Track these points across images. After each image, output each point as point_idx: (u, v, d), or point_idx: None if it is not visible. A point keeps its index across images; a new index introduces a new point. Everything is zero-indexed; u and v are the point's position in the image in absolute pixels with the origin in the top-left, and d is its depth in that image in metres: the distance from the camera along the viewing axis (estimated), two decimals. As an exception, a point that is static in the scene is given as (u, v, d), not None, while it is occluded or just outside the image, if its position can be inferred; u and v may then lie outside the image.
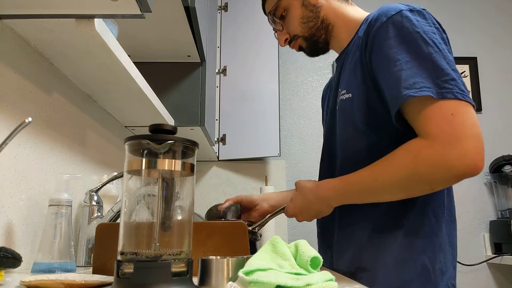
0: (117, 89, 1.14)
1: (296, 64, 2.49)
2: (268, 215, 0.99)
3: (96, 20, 0.80)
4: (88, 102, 1.20)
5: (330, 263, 0.97)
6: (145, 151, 0.52)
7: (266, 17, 1.07)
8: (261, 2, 1.07)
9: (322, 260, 0.62)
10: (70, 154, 1.09)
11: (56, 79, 1.02)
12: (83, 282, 0.58)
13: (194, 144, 0.54)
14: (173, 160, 0.52)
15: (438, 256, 0.85)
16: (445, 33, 0.87)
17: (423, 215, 0.86)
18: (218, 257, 0.58)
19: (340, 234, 0.95)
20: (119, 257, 0.50)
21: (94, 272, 0.70)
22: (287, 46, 1.07)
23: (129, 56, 1.04)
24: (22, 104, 0.88)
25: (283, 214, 0.97)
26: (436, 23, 0.85)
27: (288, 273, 0.55)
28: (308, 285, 0.48)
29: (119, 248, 0.50)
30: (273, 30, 1.08)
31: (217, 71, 2.17)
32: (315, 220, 1.02)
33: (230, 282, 0.50)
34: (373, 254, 0.87)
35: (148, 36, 1.40)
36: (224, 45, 2.23)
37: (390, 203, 0.85)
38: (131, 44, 1.44)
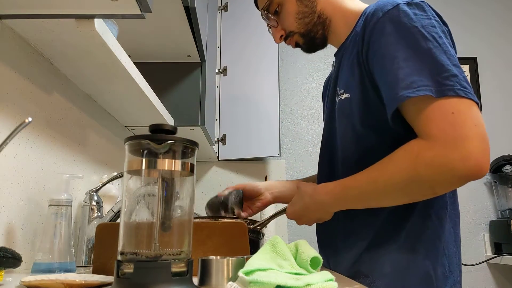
0: (117, 89, 1.14)
1: (296, 64, 2.49)
2: (270, 215, 0.98)
3: (96, 20, 0.80)
4: (88, 102, 1.20)
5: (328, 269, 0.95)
6: (145, 151, 0.52)
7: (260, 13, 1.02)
8: None
9: (322, 260, 0.62)
10: (70, 154, 1.09)
11: (56, 79, 1.02)
12: (83, 282, 0.58)
13: (194, 144, 0.54)
14: (173, 160, 0.52)
15: (442, 261, 0.82)
16: (447, 26, 0.81)
17: (425, 218, 0.83)
18: (218, 257, 0.58)
19: (340, 242, 0.92)
20: (119, 257, 0.50)
21: (94, 272, 0.70)
22: (288, 45, 1.03)
23: (129, 56, 1.04)
24: (22, 104, 0.88)
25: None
26: (436, 15, 0.80)
27: (288, 273, 0.55)
28: (308, 285, 0.48)
29: (119, 248, 0.50)
30: (267, 26, 1.04)
31: (217, 71, 2.17)
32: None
33: (230, 282, 0.50)
34: (372, 260, 0.84)
35: (148, 36, 1.40)
36: (224, 45, 2.23)
37: (391, 210, 0.82)
38: (131, 44, 1.44)
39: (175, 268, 0.49)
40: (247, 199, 1.10)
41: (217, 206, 1.06)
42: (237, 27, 2.24)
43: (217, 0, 2.19)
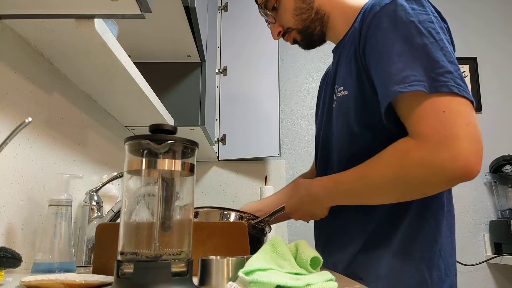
0: (117, 89, 1.14)
1: (296, 64, 2.50)
2: (271, 212, 0.98)
3: (96, 20, 0.80)
4: (88, 102, 1.20)
5: None
6: (145, 151, 0.52)
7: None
8: None
9: (322, 260, 0.62)
10: (70, 154, 1.09)
11: (56, 79, 1.02)
12: (83, 282, 0.58)
13: (194, 144, 0.54)
14: (173, 160, 0.52)
15: (438, 263, 0.80)
16: (446, 23, 0.80)
17: (422, 220, 0.81)
18: (218, 257, 0.58)
19: (335, 243, 0.91)
20: (119, 257, 0.50)
21: (94, 272, 0.70)
22: (288, 44, 1.03)
23: (129, 56, 1.04)
24: (22, 104, 0.88)
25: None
26: (435, 11, 0.78)
27: (288, 273, 0.55)
28: (308, 285, 0.48)
29: (119, 248, 0.50)
30: (266, 22, 1.03)
31: (217, 71, 2.17)
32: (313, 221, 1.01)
33: (230, 282, 0.50)
34: (367, 262, 0.83)
35: (148, 36, 1.40)
36: (224, 45, 2.23)
37: (387, 211, 0.81)
38: (131, 44, 1.44)
39: (175, 268, 0.49)
40: None
41: None
42: (237, 27, 2.24)
43: (217, 0, 2.19)
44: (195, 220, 0.92)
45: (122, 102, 1.24)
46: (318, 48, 1.05)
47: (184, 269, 0.50)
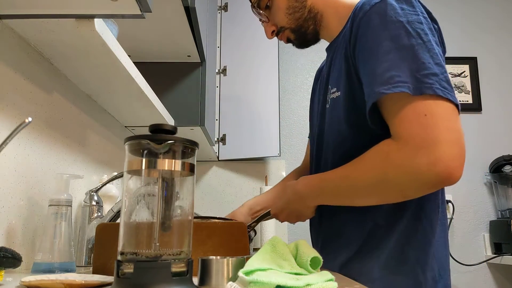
0: (117, 89, 1.14)
1: (296, 64, 2.50)
2: (257, 218, 0.98)
3: (96, 20, 0.80)
4: (88, 102, 1.20)
5: None
6: (145, 151, 0.52)
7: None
8: None
9: (322, 260, 0.62)
10: (70, 154, 1.09)
11: (56, 79, 1.02)
12: (83, 282, 0.58)
13: (194, 144, 0.54)
14: (173, 160, 0.52)
15: (431, 265, 0.80)
16: (436, 24, 0.79)
17: (417, 222, 0.81)
18: (218, 257, 0.58)
19: (330, 244, 0.91)
20: (119, 257, 0.50)
21: (94, 272, 0.70)
22: (288, 44, 1.02)
23: (129, 56, 1.04)
24: (22, 104, 0.88)
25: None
26: (424, 12, 0.77)
27: (288, 273, 0.55)
28: (308, 285, 0.48)
29: (119, 248, 0.50)
30: (260, 21, 1.02)
31: (217, 71, 2.17)
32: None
33: (230, 282, 0.50)
34: (361, 264, 0.82)
35: (148, 36, 1.40)
36: (224, 45, 2.23)
37: (383, 213, 0.81)
38: (131, 44, 1.44)
39: (175, 268, 0.49)
40: None
41: None
42: (237, 27, 2.24)
43: (217, 0, 2.19)
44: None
45: (122, 102, 1.24)
46: (318, 48, 1.05)
47: (184, 269, 0.50)
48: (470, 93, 2.47)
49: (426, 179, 0.67)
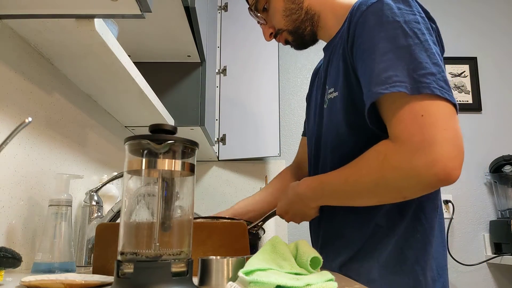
0: (117, 89, 1.14)
1: (296, 64, 2.50)
2: (263, 217, 0.98)
3: (96, 20, 0.80)
4: (88, 102, 1.20)
5: None
6: (145, 151, 0.52)
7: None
8: None
9: (322, 260, 0.62)
10: (70, 154, 1.09)
11: (56, 79, 1.02)
12: (83, 282, 0.58)
13: (194, 144, 0.54)
14: (173, 160, 0.52)
15: (431, 265, 0.80)
16: (434, 23, 0.79)
17: (416, 223, 0.81)
18: (218, 257, 0.58)
19: (330, 245, 0.91)
20: (119, 257, 0.50)
21: (94, 272, 0.70)
22: (288, 45, 1.02)
23: (129, 56, 1.04)
24: (22, 104, 0.88)
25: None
26: (421, 11, 0.77)
27: (288, 273, 0.55)
28: (308, 285, 0.48)
29: (119, 248, 0.50)
30: (258, 23, 1.02)
31: (217, 71, 2.17)
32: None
33: (230, 282, 0.50)
34: (360, 265, 0.82)
35: (148, 36, 1.40)
36: (224, 45, 2.23)
37: (383, 214, 0.81)
38: (131, 44, 1.44)
39: (175, 268, 0.49)
40: None
41: None
42: (237, 27, 2.24)
43: (217, 0, 2.19)
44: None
45: (122, 102, 1.24)
46: (318, 48, 1.04)
47: (184, 269, 0.50)
48: (470, 93, 2.47)
49: (424, 180, 0.67)
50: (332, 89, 0.87)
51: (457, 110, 0.70)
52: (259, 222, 0.95)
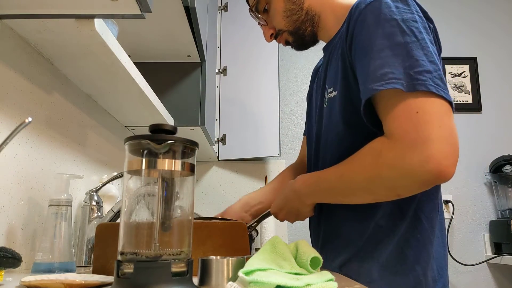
0: (117, 89, 1.14)
1: (296, 64, 2.49)
2: (257, 218, 0.98)
3: (96, 20, 0.80)
4: (88, 102, 1.20)
5: None
6: (145, 151, 0.52)
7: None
8: None
9: (322, 260, 0.62)
10: (70, 154, 1.09)
11: (56, 79, 1.02)
12: (83, 282, 0.58)
13: (194, 144, 0.54)
14: (173, 160, 0.52)
15: (431, 265, 0.80)
16: (432, 23, 0.79)
17: (417, 223, 0.81)
18: (218, 257, 0.58)
19: (330, 244, 0.91)
20: (119, 257, 0.50)
21: (94, 272, 0.70)
22: (288, 46, 1.02)
23: (129, 56, 1.04)
24: (22, 104, 0.88)
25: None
26: (419, 10, 0.77)
27: (288, 273, 0.55)
28: (308, 285, 0.48)
29: (119, 248, 0.50)
30: (259, 24, 1.03)
31: (217, 71, 2.17)
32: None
33: (230, 282, 0.50)
34: (360, 265, 0.82)
35: (148, 36, 1.40)
36: (224, 45, 2.23)
37: (383, 215, 0.81)
38: (131, 44, 1.44)
39: (175, 268, 0.49)
40: None
41: None
42: (237, 27, 2.24)
43: (217, 0, 2.19)
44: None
45: (122, 102, 1.24)
46: (318, 48, 1.05)
47: (184, 269, 0.50)
48: (470, 93, 2.47)
49: (418, 177, 0.66)
50: (332, 89, 0.88)
51: (453, 108, 0.69)
52: (253, 223, 0.95)
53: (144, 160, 0.52)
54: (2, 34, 0.82)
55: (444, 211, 2.28)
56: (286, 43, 1.01)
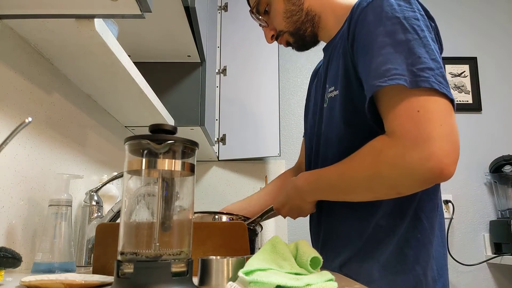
0: (117, 89, 1.14)
1: (296, 64, 2.50)
2: (260, 213, 0.98)
3: (96, 20, 0.80)
4: (88, 102, 1.20)
5: None
6: (145, 151, 0.52)
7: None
8: None
9: (322, 260, 0.62)
10: (70, 154, 1.09)
11: (56, 79, 1.02)
12: (83, 282, 0.58)
13: (194, 144, 0.54)
14: (173, 160, 0.52)
15: (431, 264, 0.80)
16: (433, 22, 0.79)
17: (417, 223, 0.81)
18: (218, 257, 0.58)
19: (330, 244, 0.91)
20: (119, 257, 0.50)
21: (94, 272, 0.70)
22: (289, 46, 1.02)
23: (129, 56, 1.04)
24: (22, 104, 0.88)
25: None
26: (421, 9, 0.77)
27: (288, 273, 0.55)
28: (308, 285, 0.48)
29: (119, 248, 0.50)
30: (260, 26, 1.03)
31: (217, 71, 2.17)
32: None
33: (230, 282, 0.50)
34: (360, 265, 0.82)
35: (148, 36, 1.40)
36: (224, 45, 2.23)
37: (383, 215, 0.81)
38: (131, 44, 1.44)
39: (175, 268, 0.49)
40: None
41: None
42: (237, 27, 2.24)
43: (217, 0, 2.19)
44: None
45: (122, 102, 1.24)
46: (318, 48, 1.05)
47: (184, 269, 0.50)
48: (470, 93, 2.47)
49: (419, 175, 0.66)
50: (333, 88, 0.88)
51: (454, 106, 0.69)
52: (257, 218, 0.95)
53: (144, 160, 0.52)
54: (2, 34, 0.82)
55: (444, 211, 2.28)
56: (287, 44, 1.01)
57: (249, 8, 1.02)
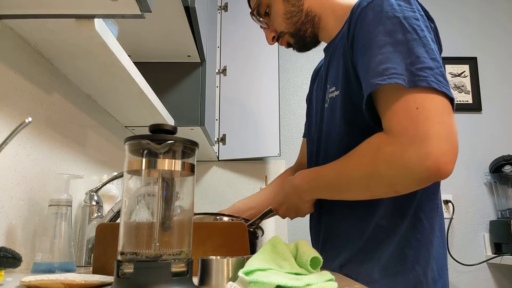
0: (117, 89, 1.14)
1: (296, 64, 2.49)
2: (260, 215, 0.98)
3: (96, 20, 0.80)
4: (88, 102, 1.20)
5: None
6: (145, 151, 0.52)
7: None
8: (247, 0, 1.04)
9: (322, 260, 0.62)
10: (70, 154, 1.09)
11: (56, 79, 1.02)
12: (83, 282, 0.58)
13: (194, 144, 0.54)
14: (173, 160, 0.52)
15: (431, 265, 0.80)
16: (433, 23, 0.80)
17: (417, 223, 0.80)
18: (218, 257, 0.58)
19: (330, 244, 0.91)
20: (119, 257, 0.50)
21: (94, 272, 0.70)
22: (290, 47, 1.03)
23: (129, 56, 1.04)
24: (22, 104, 0.88)
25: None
26: (421, 10, 0.77)
27: (288, 273, 0.55)
28: (308, 285, 0.48)
29: (119, 248, 0.50)
30: (261, 28, 1.04)
31: (217, 71, 2.17)
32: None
33: (230, 282, 0.50)
34: (360, 265, 0.82)
35: (148, 36, 1.40)
36: (224, 45, 2.23)
37: (383, 215, 0.81)
38: (131, 44, 1.44)
39: (175, 268, 0.49)
40: None
41: None
42: (237, 27, 2.24)
43: (217, 0, 2.19)
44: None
45: (122, 102, 1.24)
46: (318, 49, 1.05)
47: (184, 269, 0.50)
48: (470, 93, 2.47)
49: (416, 174, 0.66)
50: (333, 88, 0.88)
51: (453, 105, 0.69)
52: (256, 220, 0.95)
53: (144, 160, 0.52)
54: (2, 34, 0.82)
55: (444, 211, 2.28)
56: (288, 45, 1.01)
57: (250, 10, 1.03)
